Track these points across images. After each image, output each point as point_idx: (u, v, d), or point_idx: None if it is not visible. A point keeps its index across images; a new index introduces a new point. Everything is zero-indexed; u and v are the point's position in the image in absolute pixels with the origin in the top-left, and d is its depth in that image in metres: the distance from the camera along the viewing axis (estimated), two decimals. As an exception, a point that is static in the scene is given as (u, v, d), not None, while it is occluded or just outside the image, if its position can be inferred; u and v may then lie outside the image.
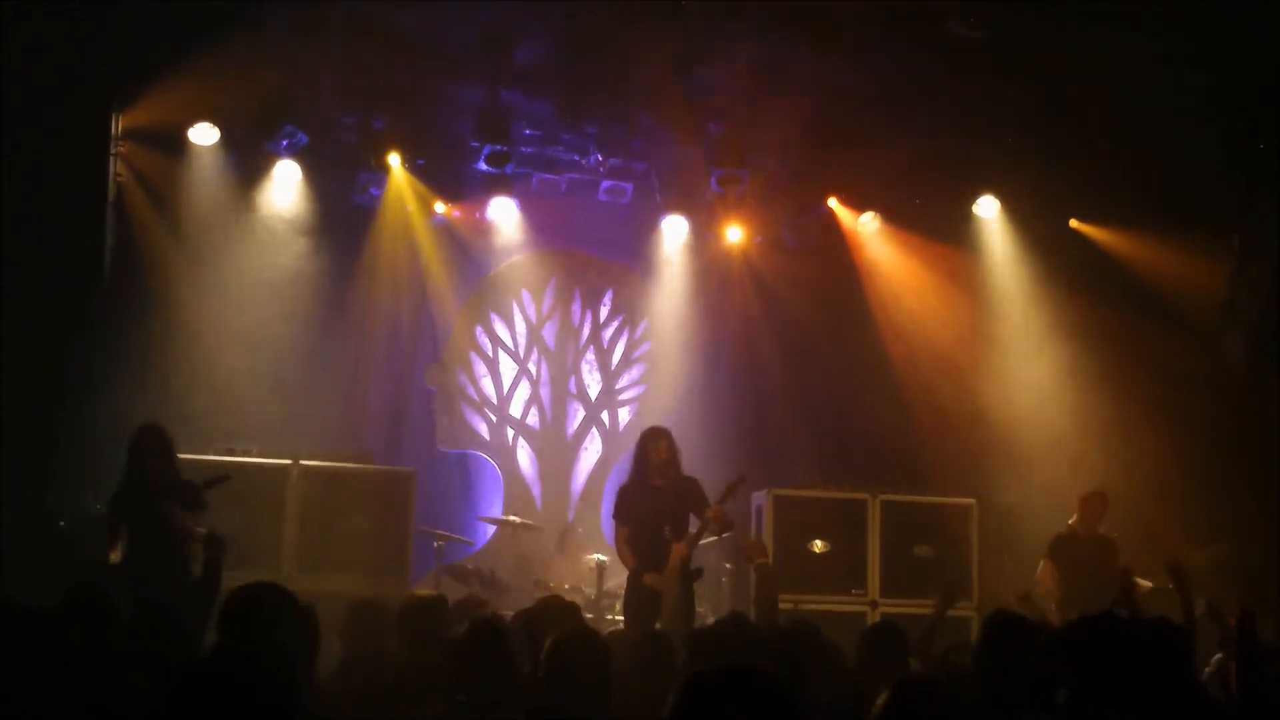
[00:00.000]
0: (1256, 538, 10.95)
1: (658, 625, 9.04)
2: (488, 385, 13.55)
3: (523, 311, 13.70)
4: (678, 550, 9.08)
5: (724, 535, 9.73)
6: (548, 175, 12.83)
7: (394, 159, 12.18)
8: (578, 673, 4.76)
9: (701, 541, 9.35)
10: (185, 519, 8.74)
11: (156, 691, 4.18)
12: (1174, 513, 11.41)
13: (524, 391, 13.63)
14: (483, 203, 12.97)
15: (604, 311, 13.93)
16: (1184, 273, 12.03)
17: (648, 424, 10.43)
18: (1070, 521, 10.56)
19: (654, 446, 9.46)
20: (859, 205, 13.27)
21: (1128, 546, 10.48)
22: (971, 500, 11.48)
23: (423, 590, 9.13)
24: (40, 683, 4.18)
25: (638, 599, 9.28)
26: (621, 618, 10.23)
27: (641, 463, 9.54)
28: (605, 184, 12.98)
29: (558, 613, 6.28)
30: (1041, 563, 10.49)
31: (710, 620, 9.38)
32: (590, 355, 13.85)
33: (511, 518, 12.16)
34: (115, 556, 8.62)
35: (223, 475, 9.09)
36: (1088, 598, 9.87)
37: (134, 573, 8.41)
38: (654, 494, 9.36)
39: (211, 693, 3.03)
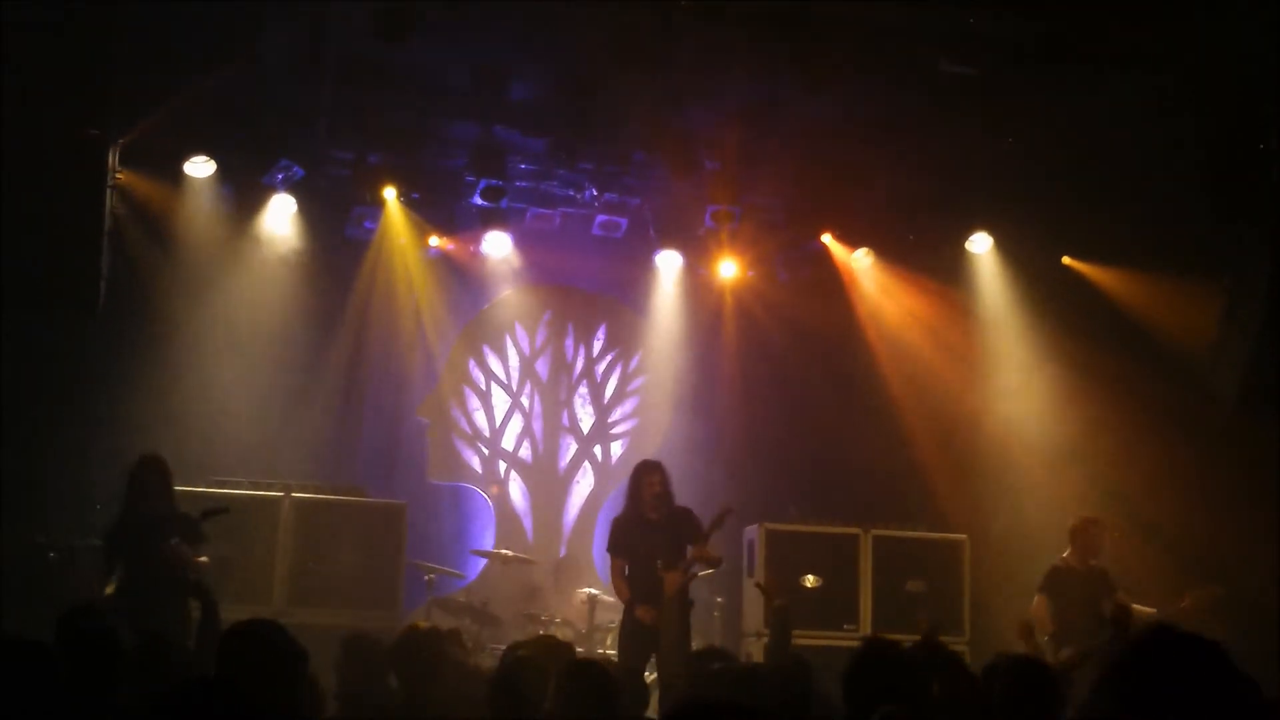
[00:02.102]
0: (1250, 578, 10.95)
1: (654, 657, 9.05)
2: (480, 418, 13.56)
3: (516, 345, 13.73)
4: (673, 580, 9.07)
5: (714, 569, 9.72)
6: (542, 210, 12.88)
7: (389, 193, 12.22)
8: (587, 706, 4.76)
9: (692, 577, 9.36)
10: (187, 554, 8.75)
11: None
12: (1167, 551, 11.41)
13: (516, 425, 13.64)
14: (477, 237, 12.99)
15: (597, 346, 13.96)
16: (1175, 311, 12.06)
17: (640, 458, 10.45)
18: (1064, 555, 10.55)
19: (648, 480, 9.46)
20: (853, 241, 13.31)
21: (1122, 581, 10.49)
22: (963, 535, 11.50)
23: (420, 622, 9.10)
24: (30, 714, 4.14)
25: (631, 632, 9.27)
26: (614, 651, 10.22)
27: (635, 496, 9.55)
28: (599, 219, 13.04)
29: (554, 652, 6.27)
30: (1036, 597, 10.47)
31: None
32: (583, 389, 13.86)
33: (504, 551, 12.15)
34: (110, 588, 8.61)
35: (221, 507, 9.10)
36: (1082, 633, 9.88)
37: (131, 605, 8.38)
38: (648, 527, 9.36)
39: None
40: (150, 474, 8.91)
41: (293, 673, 4.08)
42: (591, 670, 5.06)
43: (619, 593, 9.51)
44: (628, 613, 9.36)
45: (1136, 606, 10.28)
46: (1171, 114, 10.65)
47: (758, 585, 9.63)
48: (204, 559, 8.87)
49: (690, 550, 9.10)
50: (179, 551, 8.70)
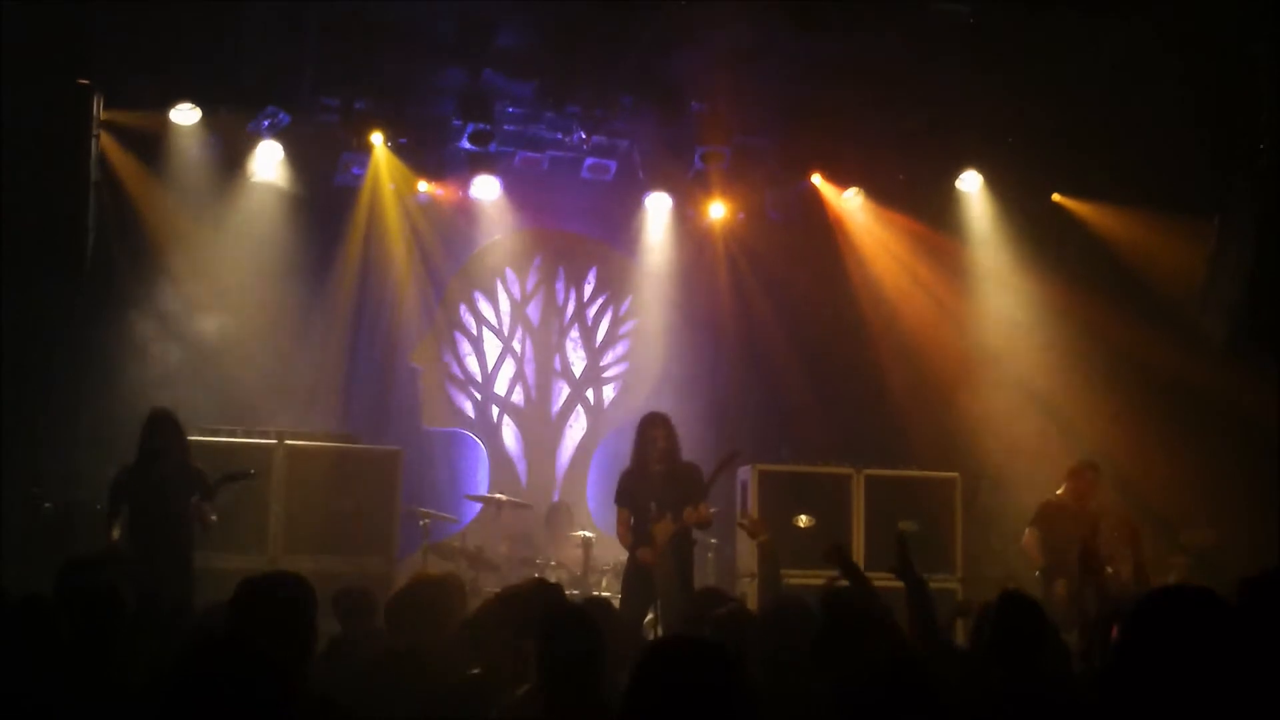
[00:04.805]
0: (1242, 521, 11.01)
1: (656, 601, 9.12)
2: (472, 364, 13.57)
3: (506, 290, 13.71)
4: (664, 529, 9.13)
5: (704, 529, 9.76)
6: (530, 153, 12.84)
7: (376, 138, 12.16)
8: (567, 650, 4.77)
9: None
10: (203, 509, 8.85)
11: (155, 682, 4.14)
12: (1158, 494, 11.48)
13: (509, 370, 13.65)
14: (466, 181, 12.94)
15: (588, 289, 13.94)
16: (1164, 253, 12.07)
17: (632, 401, 10.49)
18: (1058, 492, 10.61)
19: (651, 433, 9.49)
20: (842, 181, 13.29)
21: (1108, 527, 10.55)
22: (955, 474, 11.55)
23: (430, 572, 9.13)
24: (27, 672, 4.14)
25: (634, 578, 9.34)
26: (608, 593, 10.29)
27: (640, 449, 9.58)
28: (588, 162, 13.01)
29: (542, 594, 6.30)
30: (1027, 530, 10.55)
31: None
32: (574, 333, 13.86)
33: (498, 495, 12.19)
34: (115, 534, 8.66)
35: (244, 472, 9.21)
36: (1072, 568, 9.95)
37: (137, 554, 8.46)
38: (652, 479, 9.40)
39: (208, 682, 3.02)
40: (164, 428, 8.96)
41: (308, 630, 4.08)
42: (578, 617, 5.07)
43: (623, 542, 9.56)
44: (631, 559, 9.42)
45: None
46: (1161, 53, 10.61)
47: (740, 525, 9.69)
48: (214, 518, 8.99)
49: (685, 511, 9.15)
50: (200, 510, 8.81)
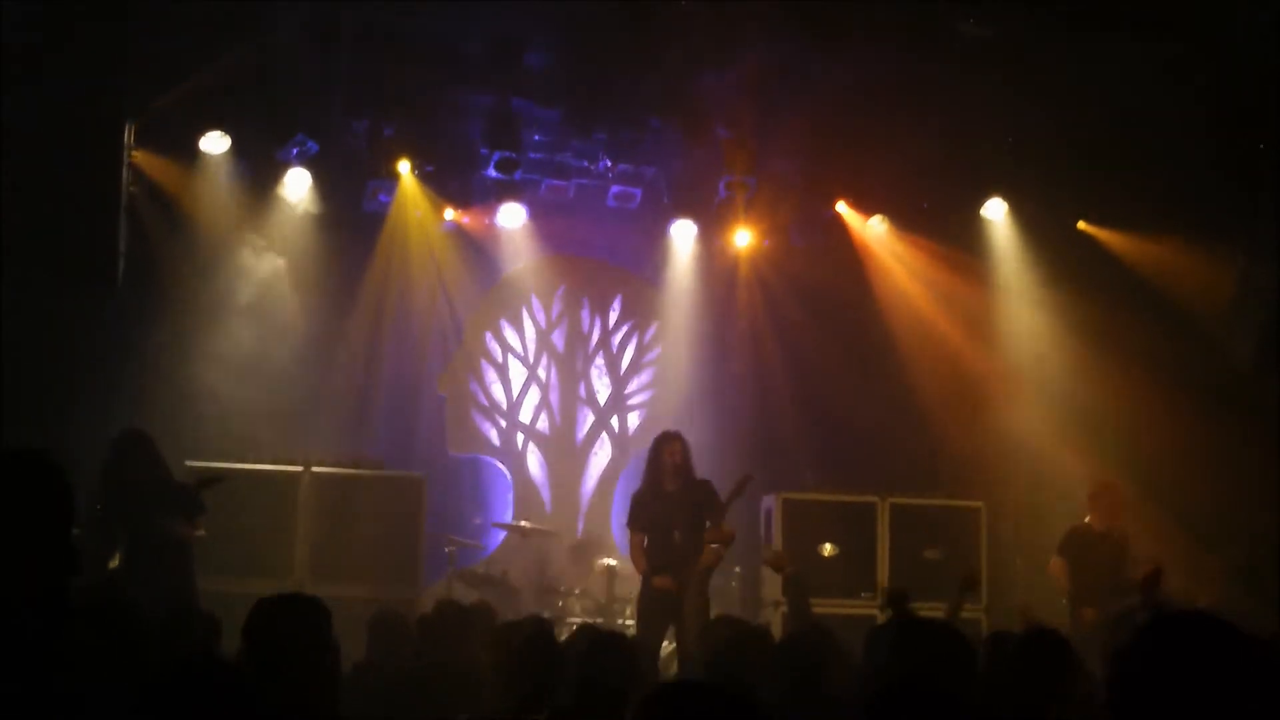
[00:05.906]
0: (1268, 541, 10.95)
1: (673, 627, 9.10)
2: (498, 391, 13.59)
3: (532, 317, 13.75)
4: (705, 561, 9.10)
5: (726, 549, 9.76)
6: (556, 181, 12.88)
7: (404, 166, 12.24)
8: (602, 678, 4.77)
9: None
10: (185, 528, 8.81)
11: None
12: (1183, 515, 11.42)
13: (534, 397, 13.67)
14: (492, 209, 12.99)
15: (613, 316, 13.96)
16: (1191, 274, 12.05)
17: (657, 428, 10.46)
18: (1085, 519, 10.57)
19: (667, 450, 9.48)
20: (867, 209, 13.30)
21: (1137, 548, 10.51)
22: (980, 503, 11.50)
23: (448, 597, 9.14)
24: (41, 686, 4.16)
25: (649, 603, 9.30)
26: (631, 622, 10.27)
27: (654, 467, 9.56)
28: (614, 189, 13.04)
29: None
30: (1053, 558, 10.50)
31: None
32: (599, 360, 13.88)
33: (523, 523, 12.20)
34: (114, 562, 8.67)
35: (216, 476, 9.16)
36: (1100, 594, 9.91)
37: (133, 579, 8.44)
38: (666, 499, 9.38)
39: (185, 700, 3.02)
40: (135, 449, 8.93)
41: (322, 651, 4.06)
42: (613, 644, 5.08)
43: (637, 565, 9.54)
44: (645, 583, 9.39)
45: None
46: (1186, 78, 10.62)
47: (766, 562, 9.65)
48: (201, 532, 8.95)
49: (706, 532, 9.12)
50: (179, 530, 8.78)
